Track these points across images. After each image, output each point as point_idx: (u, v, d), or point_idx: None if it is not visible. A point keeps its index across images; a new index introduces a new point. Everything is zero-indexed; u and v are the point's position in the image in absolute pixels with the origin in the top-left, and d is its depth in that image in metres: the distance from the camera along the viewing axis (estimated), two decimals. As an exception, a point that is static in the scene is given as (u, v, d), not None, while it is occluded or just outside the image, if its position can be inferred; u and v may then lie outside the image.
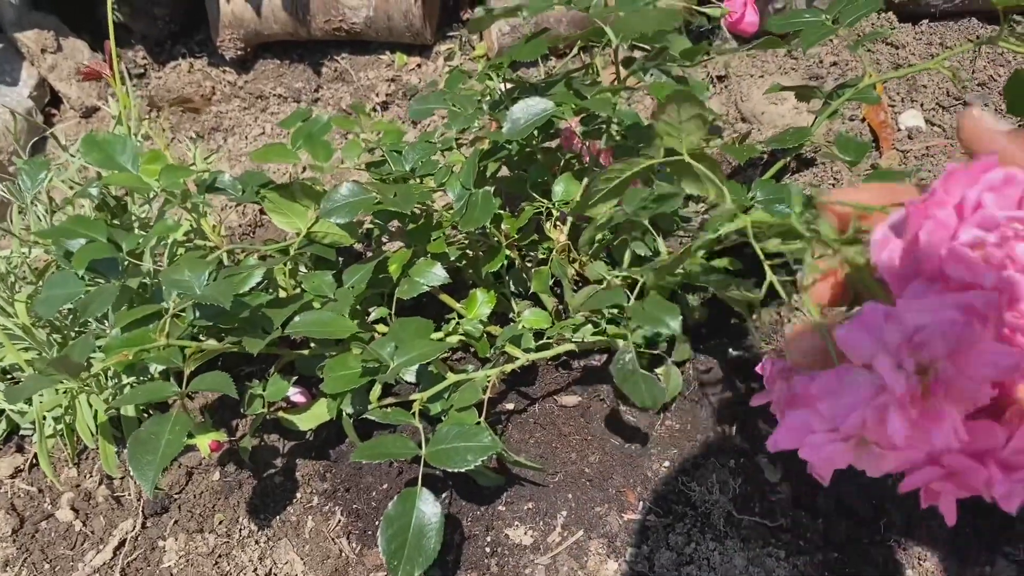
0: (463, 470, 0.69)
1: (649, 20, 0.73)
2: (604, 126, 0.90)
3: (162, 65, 1.56)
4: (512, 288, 1.01)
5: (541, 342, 0.92)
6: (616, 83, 0.97)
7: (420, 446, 0.71)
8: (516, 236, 0.93)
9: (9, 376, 1.01)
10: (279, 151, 0.89)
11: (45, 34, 1.47)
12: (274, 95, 1.53)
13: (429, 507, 0.70)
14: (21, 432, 1.00)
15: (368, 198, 0.84)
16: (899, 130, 1.27)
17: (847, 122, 1.28)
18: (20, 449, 1.00)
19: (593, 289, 0.89)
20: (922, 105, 1.30)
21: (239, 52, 1.51)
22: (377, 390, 0.76)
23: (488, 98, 0.99)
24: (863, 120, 1.28)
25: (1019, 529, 0.80)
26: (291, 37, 1.51)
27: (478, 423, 0.77)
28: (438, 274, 0.89)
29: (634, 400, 0.75)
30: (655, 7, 0.78)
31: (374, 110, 1.48)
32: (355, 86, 1.51)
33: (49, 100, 1.51)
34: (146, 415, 0.96)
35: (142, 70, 1.56)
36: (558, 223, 0.93)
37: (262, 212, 1.32)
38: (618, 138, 0.92)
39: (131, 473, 0.94)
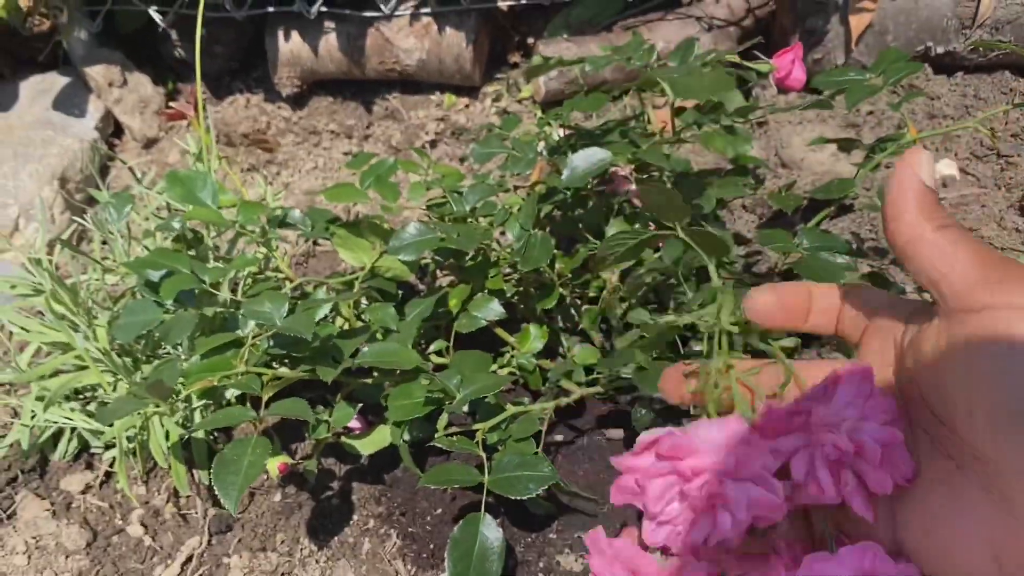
0: (524, 497, 0.74)
1: (704, 84, 0.77)
2: (657, 174, 0.95)
3: (220, 100, 1.63)
4: (561, 324, 1.06)
5: (590, 377, 0.96)
6: (668, 131, 1.02)
7: (483, 473, 0.75)
8: (569, 275, 0.98)
9: (80, 396, 1.07)
10: (349, 191, 0.95)
11: (112, 69, 1.54)
12: (327, 131, 1.59)
13: (492, 532, 0.74)
14: (91, 450, 1.06)
15: (433, 237, 0.89)
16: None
17: (885, 170, 1.32)
18: (89, 466, 1.05)
19: (636, 334, 0.94)
20: (956, 154, 1.34)
21: (295, 89, 1.57)
22: (444, 419, 0.80)
23: (545, 143, 1.04)
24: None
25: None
26: (345, 76, 1.57)
27: (536, 453, 0.81)
28: (495, 309, 0.94)
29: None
30: (710, 68, 0.84)
31: (424, 147, 1.54)
32: (405, 124, 1.57)
33: (112, 131, 1.58)
34: (212, 438, 1.01)
35: (201, 105, 1.63)
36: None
37: (315, 243, 1.38)
38: (669, 186, 0.97)
39: (197, 493, 0.99)
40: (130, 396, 0.77)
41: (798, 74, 1.00)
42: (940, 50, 1.40)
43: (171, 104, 0.96)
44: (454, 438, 0.78)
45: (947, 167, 1.32)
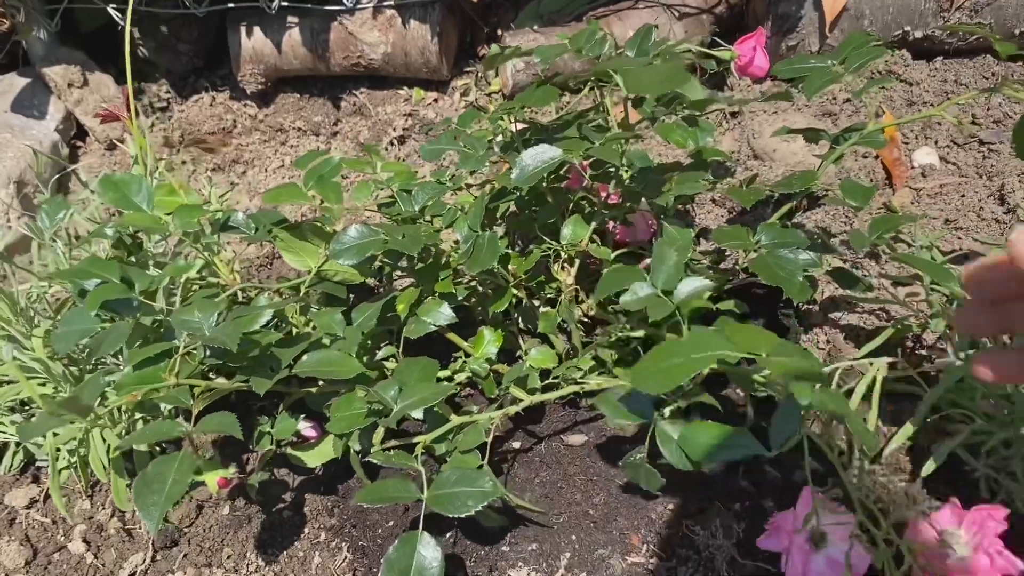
0: (463, 515, 0.70)
1: (657, 77, 0.73)
2: (613, 170, 0.91)
3: (185, 99, 1.60)
4: (520, 325, 1.02)
5: (548, 382, 0.93)
6: (625, 123, 0.98)
7: (422, 489, 0.71)
8: (524, 276, 0.94)
9: (27, 407, 1.04)
10: (290, 192, 0.91)
11: (72, 69, 1.51)
12: (294, 128, 1.55)
13: (430, 551, 0.70)
14: (37, 463, 1.02)
15: (376, 240, 0.85)
16: (913, 167, 1.26)
17: (860, 159, 1.28)
18: (36, 479, 1.02)
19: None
20: (936, 142, 1.30)
21: (260, 86, 1.54)
22: (380, 433, 0.77)
23: (500, 139, 1.00)
24: (876, 157, 1.28)
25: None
26: (310, 72, 1.54)
27: (481, 466, 0.77)
28: (445, 314, 0.90)
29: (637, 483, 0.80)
30: (663, 61, 0.79)
31: (391, 144, 1.50)
32: (373, 120, 1.53)
33: (75, 133, 1.55)
34: (158, 448, 0.97)
35: (165, 103, 1.59)
36: (566, 265, 0.94)
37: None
38: (627, 181, 0.93)
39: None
40: (48, 412, 0.73)
41: (760, 62, 0.96)
42: (918, 34, 1.35)
43: (103, 105, 0.92)
44: (391, 452, 0.74)
45: (927, 155, 1.28)
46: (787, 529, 0.75)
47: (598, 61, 0.87)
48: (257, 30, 1.48)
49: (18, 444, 1.01)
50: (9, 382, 1.01)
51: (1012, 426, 0.83)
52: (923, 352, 0.97)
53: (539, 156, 0.84)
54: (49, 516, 0.97)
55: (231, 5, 1.45)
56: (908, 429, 0.87)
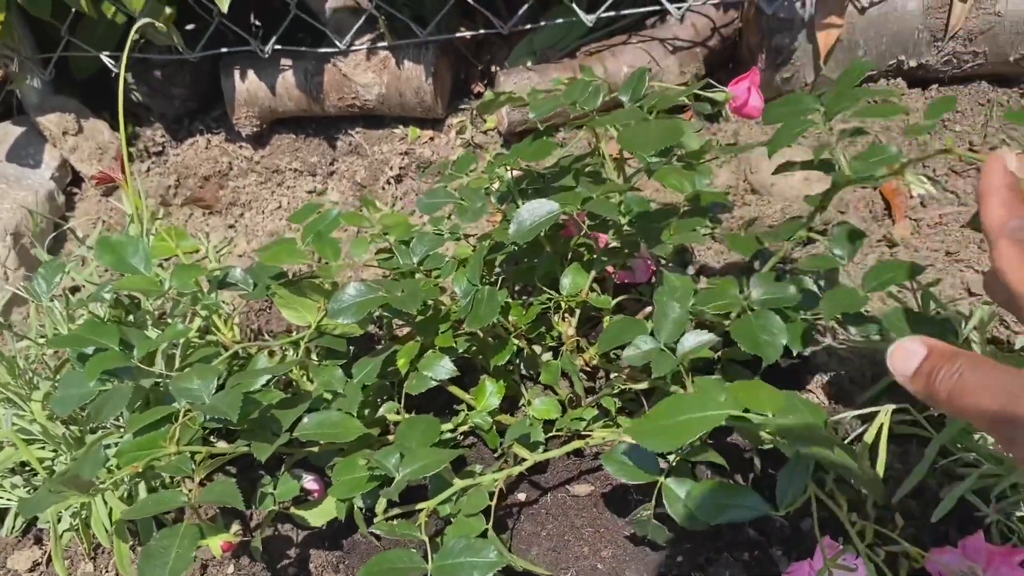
0: (470, 585, 0.69)
1: (652, 136, 0.73)
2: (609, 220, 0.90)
3: (180, 142, 1.60)
4: (523, 371, 1.01)
5: (551, 434, 0.92)
6: (621, 172, 0.98)
7: (427, 559, 0.71)
8: (524, 328, 0.93)
9: (27, 468, 1.03)
10: (287, 251, 0.90)
11: (66, 117, 1.51)
12: (290, 169, 1.55)
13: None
14: (39, 525, 1.01)
15: (375, 297, 0.85)
16: (912, 197, 1.26)
17: (860, 189, 1.27)
18: (39, 541, 1.01)
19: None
20: (935, 171, 1.29)
21: (255, 128, 1.53)
22: (383, 503, 0.76)
23: (497, 186, 1.00)
24: (875, 188, 1.28)
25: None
26: (305, 113, 1.53)
27: (486, 530, 0.76)
28: (446, 367, 0.90)
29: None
30: (658, 115, 0.79)
31: (388, 182, 1.49)
32: (369, 159, 1.53)
33: (71, 180, 1.54)
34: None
35: (160, 147, 1.59)
36: (567, 315, 0.93)
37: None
38: (625, 229, 0.92)
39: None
40: (49, 488, 0.73)
41: (755, 102, 0.95)
42: (913, 63, 1.35)
43: (99, 168, 0.91)
44: (395, 522, 0.74)
45: (924, 185, 1.27)
46: None
47: (595, 114, 0.87)
48: (251, 73, 1.48)
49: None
50: (11, 444, 1.00)
51: (1021, 471, 0.82)
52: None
53: (536, 211, 0.83)
54: (52, 580, 0.96)
55: (224, 50, 1.45)
56: (917, 475, 0.86)
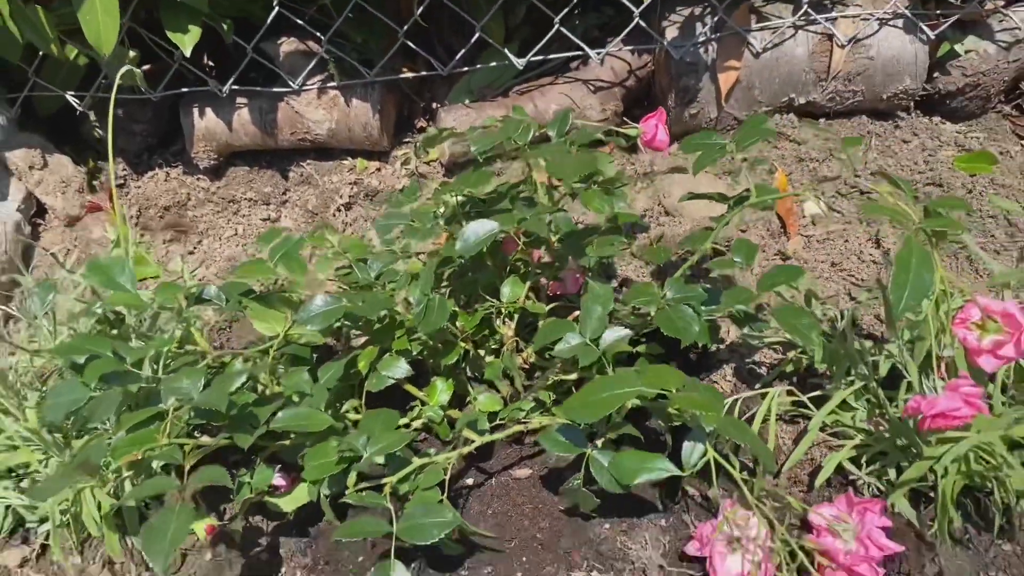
0: (430, 543, 0.82)
1: (575, 165, 0.89)
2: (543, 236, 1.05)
3: (140, 175, 1.70)
4: (469, 373, 1.15)
5: (495, 423, 1.06)
6: (551, 196, 1.13)
7: (392, 523, 0.83)
8: (471, 332, 1.07)
9: (13, 474, 1.12)
10: (259, 268, 1.03)
11: (32, 152, 1.60)
12: (245, 199, 1.67)
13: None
14: (27, 525, 1.10)
15: (341, 307, 0.98)
16: (803, 216, 1.44)
17: (759, 211, 1.45)
18: (25, 540, 1.10)
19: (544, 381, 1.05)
20: (824, 193, 1.48)
21: (212, 162, 1.65)
22: (353, 477, 0.89)
23: (443, 210, 1.14)
24: (772, 208, 1.46)
25: None
26: (260, 147, 1.66)
27: (441, 501, 0.89)
28: (402, 368, 1.03)
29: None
30: (579, 149, 0.95)
31: (339, 210, 1.62)
32: (320, 189, 1.65)
33: (35, 211, 1.63)
34: (144, 505, 1.07)
35: (122, 180, 1.69)
36: (507, 320, 1.07)
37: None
38: (555, 245, 1.07)
39: (131, 558, 1.05)
40: (60, 474, 0.83)
41: (662, 136, 1.12)
42: (802, 100, 1.54)
43: (89, 199, 1.03)
44: (363, 493, 0.86)
45: (815, 206, 1.46)
46: (708, 536, 0.90)
47: (527, 148, 1.02)
48: (209, 111, 1.60)
49: (8, 507, 1.09)
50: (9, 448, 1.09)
51: (887, 440, 0.99)
52: (816, 380, 1.13)
53: (479, 229, 0.98)
54: (43, 572, 1.05)
55: (185, 90, 1.57)
56: (802, 447, 1.02)
